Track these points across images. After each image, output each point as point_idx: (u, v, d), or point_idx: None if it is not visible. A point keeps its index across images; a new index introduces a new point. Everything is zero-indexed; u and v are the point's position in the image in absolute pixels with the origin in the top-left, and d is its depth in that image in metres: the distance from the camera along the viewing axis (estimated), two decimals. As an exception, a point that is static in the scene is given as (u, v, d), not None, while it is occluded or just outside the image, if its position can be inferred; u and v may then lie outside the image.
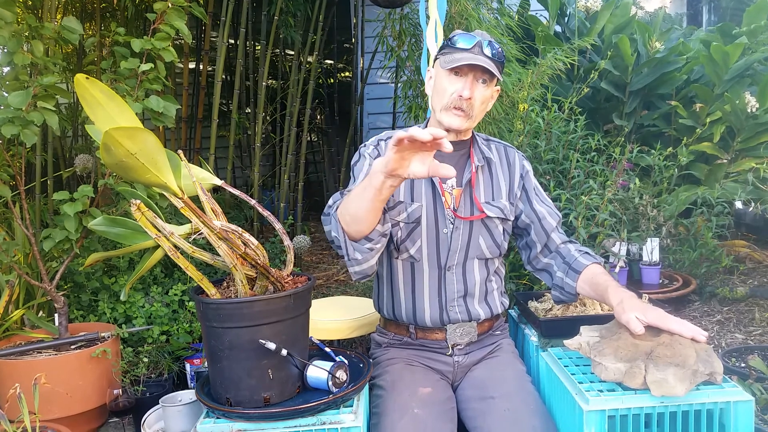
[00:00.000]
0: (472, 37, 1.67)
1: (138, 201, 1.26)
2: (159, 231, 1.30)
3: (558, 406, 1.62)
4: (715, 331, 2.87)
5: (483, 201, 1.77)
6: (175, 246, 1.32)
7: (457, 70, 1.68)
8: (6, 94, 2.08)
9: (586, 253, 1.76)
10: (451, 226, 1.74)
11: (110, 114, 1.20)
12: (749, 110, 3.65)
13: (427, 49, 2.51)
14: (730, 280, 3.40)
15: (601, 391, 1.48)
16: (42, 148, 3.03)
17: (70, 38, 2.20)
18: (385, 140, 1.83)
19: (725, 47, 3.71)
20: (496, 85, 1.76)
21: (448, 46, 1.71)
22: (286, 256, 1.54)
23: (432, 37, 2.55)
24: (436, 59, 1.77)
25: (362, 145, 1.86)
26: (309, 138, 5.16)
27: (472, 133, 1.83)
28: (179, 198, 1.27)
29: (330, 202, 1.69)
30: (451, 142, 1.69)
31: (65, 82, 3.79)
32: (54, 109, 2.11)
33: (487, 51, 1.66)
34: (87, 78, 1.17)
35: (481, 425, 1.59)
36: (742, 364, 2.12)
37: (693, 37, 4.63)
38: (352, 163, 1.85)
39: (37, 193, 3.00)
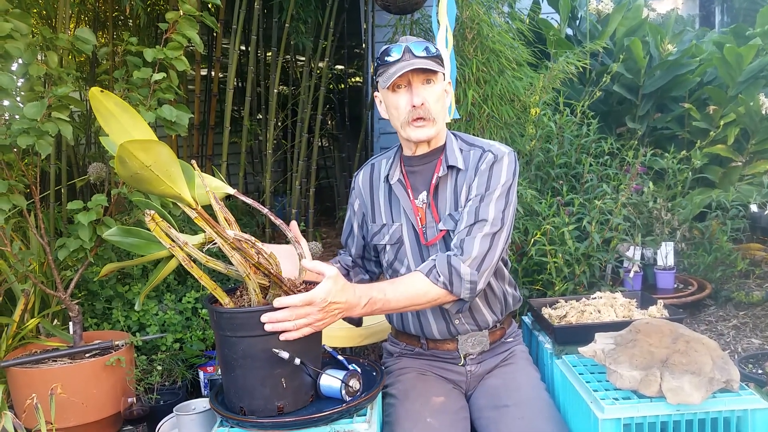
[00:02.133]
0: (399, 46, 1.63)
1: (152, 211, 1.26)
2: (173, 241, 1.31)
3: (573, 414, 1.61)
4: (731, 336, 2.83)
5: (446, 213, 1.70)
6: (189, 255, 1.33)
7: (398, 83, 1.64)
8: (22, 105, 2.10)
9: (434, 264, 1.57)
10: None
11: (124, 126, 1.20)
12: (763, 112, 3.61)
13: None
14: (746, 284, 3.36)
15: (616, 399, 1.47)
16: (56, 157, 3.06)
17: (83, 48, 2.22)
18: (371, 164, 1.87)
19: (738, 49, 3.68)
20: (445, 79, 1.71)
21: (381, 64, 1.67)
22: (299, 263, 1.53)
23: (443, 42, 2.55)
24: (376, 82, 1.72)
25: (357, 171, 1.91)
26: (320, 143, 5.17)
27: (447, 138, 1.75)
28: (193, 208, 1.27)
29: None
30: (422, 154, 1.72)
31: (79, 90, 3.83)
32: (68, 119, 2.12)
33: (418, 52, 1.62)
34: (101, 91, 1.18)
35: (495, 434, 1.58)
36: (759, 371, 2.09)
37: (706, 39, 4.58)
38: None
39: (52, 202, 3.02)
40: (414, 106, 1.62)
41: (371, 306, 1.46)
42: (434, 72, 1.63)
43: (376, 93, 1.75)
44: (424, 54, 1.62)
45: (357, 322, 1.76)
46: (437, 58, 1.65)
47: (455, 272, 1.54)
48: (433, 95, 1.64)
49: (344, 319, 1.49)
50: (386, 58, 1.64)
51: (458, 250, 1.58)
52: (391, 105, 1.68)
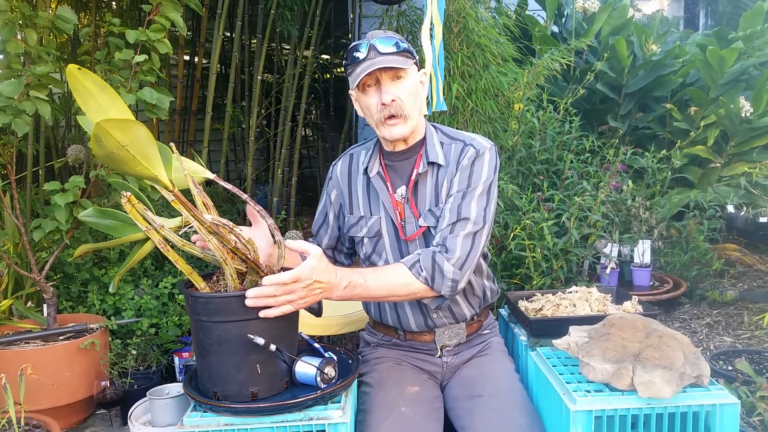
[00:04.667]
0: (364, 44, 1.58)
1: (128, 193, 1.25)
2: (149, 223, 1.30)
3: (546, 405, 1.63)
4: (704, 334, 2.88)
5: (426, 209, 1.68)
6: (165, 239, 1.31)
7: (367, 82, 1.60)
8: (-2, 83, 2.06)
9: (418, 259, 1.56)
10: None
11: (102, 105, 1.19)
12: (743, 115, 3.66)
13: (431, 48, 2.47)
14: (720, 284, 3.41)
15: (588, 391, 1.48)
16: (34, 137, 3.01)
17: (64, 28, 2.19)
18: (349, 154, 1.83)
19: (721, 51, 3.72)
20: (419, 70, 1.67)
21: (348, 64, 1.62)
22: (277, 251, 1.53)
23: (427, 34, 2.54)
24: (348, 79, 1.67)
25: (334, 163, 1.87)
26: (304, 133, 5.14)
27: (426, 132, 1.72)
28: (170, 191, 1.26)
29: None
30: (401, 151, 1.69)
31: (59, 71, 3.77)
32: (46, 98, 2.09)
33: (384, 48, 1.57)
34: (79, 69, 1.16)
35: (468, 424, 1.59)
36: (730, 367, 2.13)
37: (689, 41, 4.63)
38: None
39: (29, 182, 2.98)
40: (384, 104, 1.58)
41: (351, 289, 1.46)
42: (403, 68, 1.59)
43: (350, 91, 1.69)
44: (391, 50, 1.57)
45: (317, 311, 1.74)
46: (406, 52, 1.60)
47: (438, 269, 1.55)
48: (404, 91, 1.60)
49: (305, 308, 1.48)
50: (353, 57, 1.60)
51: (442, 248, 1.58)
52: (363, 105, 1.65)
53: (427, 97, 2.14)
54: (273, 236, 1.46)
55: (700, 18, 6.64)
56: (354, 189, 1.79)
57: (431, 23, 2.49)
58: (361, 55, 1.58)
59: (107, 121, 1.09)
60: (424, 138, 1.71)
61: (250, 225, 1.63)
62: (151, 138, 1.18)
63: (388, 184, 1.71)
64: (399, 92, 1.59)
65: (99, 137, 1.10)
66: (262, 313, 1.34)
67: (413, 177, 1.67)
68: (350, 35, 5.18)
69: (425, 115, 1.78)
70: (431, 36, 2.49)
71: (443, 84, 2.53)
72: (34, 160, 3.05)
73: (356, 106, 1.71)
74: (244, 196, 1.51)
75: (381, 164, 1.73)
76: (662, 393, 1.40)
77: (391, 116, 1.60)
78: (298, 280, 1.34)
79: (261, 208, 1.53)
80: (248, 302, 1.32)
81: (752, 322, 2.93)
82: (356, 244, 1.83)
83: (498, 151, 1.68)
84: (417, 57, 1.65)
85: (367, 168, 1.74)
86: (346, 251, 1.91)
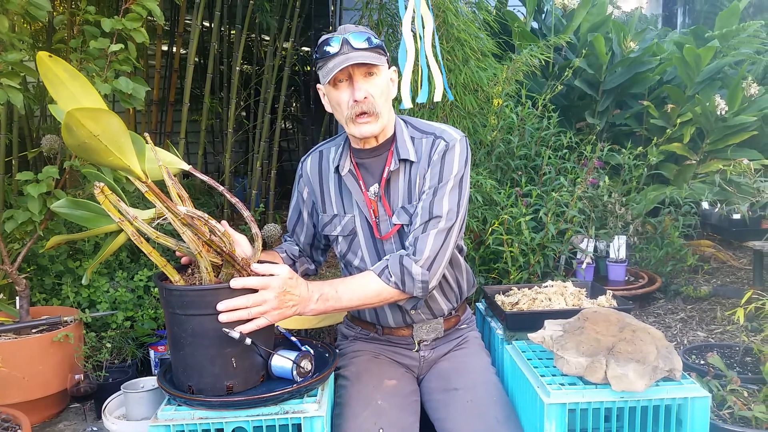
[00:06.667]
0: (337, 38, 1.54)
1: (101, 184, 1.23)
2: (122, 215, 1.28)
3: (520, 398, 1.64)
4: (678, 329, 2.92)
5: (399, 206, 1.66)
6: (139, 230, 1.30)
7: (338, 77, 1.55)
8: (-32, 70, 2.02)
9: (387, 265, 1.57)
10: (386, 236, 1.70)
11: (74, 94, 1.17)
12: (719, 113, 3.71)
13: (405, 41, 2.46)
14: (694, 279, 3.46)
15: (562, 384, 1.50)
16: (7, 127, 2.96)
17: (37, 15, 2.14)
18: (319, 151, 1.81)
19: (697, 50, 3.76)
20: (390, 68, 1.64)
21: (319, 57, 1.57)
22: (254, 243, 1.52)
23: (408, 26, 2.52)
24: (316, 74, 1.62)
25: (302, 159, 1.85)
26: (283, 125, 5.11)
27: (396, 127, 1.69)
28: (143, 182, 1.25)
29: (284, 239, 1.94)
30: (371, 148, 1.66)
31: (33, 59, 3.70)
32: (19, 87, 2.05)
33: (357, 43, 1.53)
34: (50, 56, 1.14)
35: (444, 416, 1.60)
36: (702, 362, 2.16)
37: (667, 39, 4.68)
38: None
39: (1, 172, 2.93)
40: (356, 101, 1.55)
41: (324, 302, 1.47)
42: (376, 65, 1.55)
43: (318, 86, 1.65)
44: (364, 45, 1.53)
45: None
46: (379, 48, 1.57)
47: (407, 272, 1.55)
48: (376, 88, 1.56)
49: None
50: (324, 51, 1.55)
51: (412, 248, 1.58)
52: (333, 101, 1.61)
53: (413, 90, 2.11)
54: (251, 229, 1.45)
55: (678, 16, 6.72)
56: (326, 187, 1.76)
57: (413, 14, 2.47)
58: (332, 49, 1.53)
59: (78, 110, 1.07)
60: (394, 134, 1.68)
61: (228, 219, 1.61)
62: (124, 128, 1.16)
63: (361, 182, 1.69)
64: (371, 89, 1.56)
65: (70, 126, 1.08)
66: (238, 328, 1.34)
67: (385, 175, 1.65)
68: (330, 27, 5.15)
69: (401, 110, 1.76)
70: (413, 29, 2.47)
71: (422, 76, 2.51)
72: (7, 150, 3.00)
73: (324, 101, 1.66)
74: (221, 188, 1.49)
75: (352, 162, 1.70)
76: (635, 386, 1.42)
77: (363, 113, 1.56)
78: (269, 287, 1.35)
79: (238, 200, 1.52)
80: (222, 317, 1.33)
81: (725, 317, 2.97)
82: (331, 242, 1.82)
83: (468, 142, 1.67)
84: (388, 53, 1.63)
85: (338, 166, 1.71)
86: (322, 247, 1.91)
